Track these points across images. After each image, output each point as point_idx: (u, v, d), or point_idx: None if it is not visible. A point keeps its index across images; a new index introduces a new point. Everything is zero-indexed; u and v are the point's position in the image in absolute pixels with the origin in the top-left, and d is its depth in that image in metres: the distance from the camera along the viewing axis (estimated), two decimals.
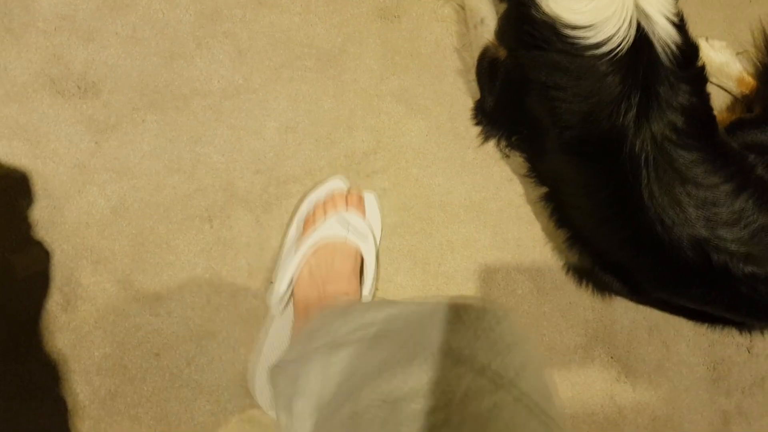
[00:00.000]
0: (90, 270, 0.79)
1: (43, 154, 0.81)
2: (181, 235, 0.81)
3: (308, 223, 0.79)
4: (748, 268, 0.68)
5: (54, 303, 0.78)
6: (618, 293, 0.81)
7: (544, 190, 0.82)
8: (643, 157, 0.69)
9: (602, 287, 0.81)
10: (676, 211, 0.69)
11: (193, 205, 0.82)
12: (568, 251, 0.82)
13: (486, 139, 0.85)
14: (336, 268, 0.75)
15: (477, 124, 0.85)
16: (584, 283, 0.83)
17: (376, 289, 0.83)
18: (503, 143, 0.85)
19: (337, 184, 0.82)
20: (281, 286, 0.76)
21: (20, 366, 0.77)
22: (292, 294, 0.77)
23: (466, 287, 0.83)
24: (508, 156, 0.86)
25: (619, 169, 0.70)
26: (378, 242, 0.81)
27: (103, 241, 0.80)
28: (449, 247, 0.84)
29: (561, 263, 0.85)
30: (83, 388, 0.77)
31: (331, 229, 0.77)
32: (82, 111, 0.82)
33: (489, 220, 0.85)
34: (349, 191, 0.81)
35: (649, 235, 0.71)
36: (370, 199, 0.82)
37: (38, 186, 0.80)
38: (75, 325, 0.78)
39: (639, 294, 0.79)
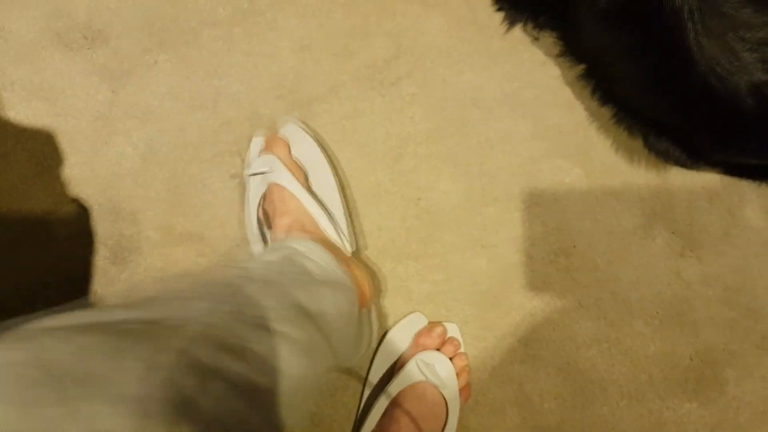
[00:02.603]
0: (130, 220, 0.79)
1: (63, 111, 0.79)
2: (214, 173, 0.79)
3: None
4: None
5: (101, 258, 0.78)
6: (676, 162, 0.76)
7: (581, 67, 0.78)
8: (686, 10, 0.63)
9: (659, 157, 0.77)
10: (729, 60, 0.64)
11: (221, 140, 0.80)
12: (616, 128, 0.77)
13: (511, 24, 0.80)
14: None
15: (499, 9, 0.80)
16: (636, 159, 0.79)
17: (419, 199, 0.80)
18: (530, 25, 0.79)
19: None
20: None
21: None
22: None
23: (511, 184, 0.80)
24: (537, 38, 0.81)
25: (662, 29, 0.65)
26: None
27: (138, 189, 0.79)
28: (488, 144, 0.81)
29: (609, 143, 0.80)
30: None
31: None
32: (94, 61, 0.80)
33: (526, 110, 0.81)
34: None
35: (703, 92, 0.65)
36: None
37: (64, 144, 0.79)
38: (126, 276, 0.78)
39: (698, 159, 0.75)
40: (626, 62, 0.70)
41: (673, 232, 0.80)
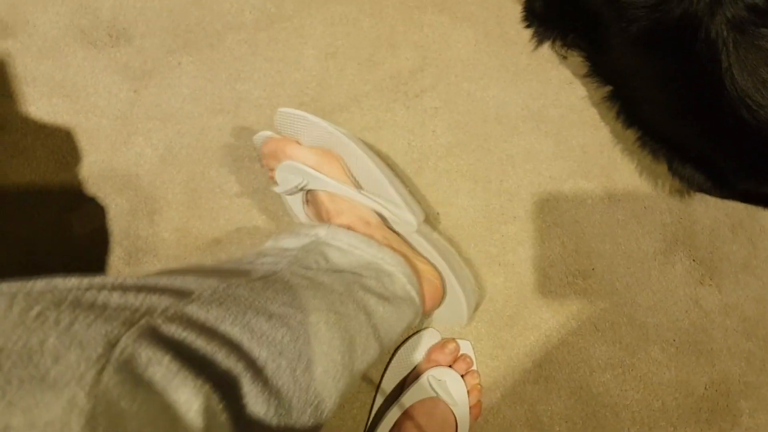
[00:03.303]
0: (146, 221, 0.78)
1: (84, 109, 0.79)
2: (232, 177, 0.79)
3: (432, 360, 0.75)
4: None
5: (116, 257, 0.78)
6: (700, 188, 0.75)
7: (608, 89, 0.76)
8: (720, 42, 0.62)
9: (683, 183, 0.76)
10: (762, 93, 0.63)
11: (241, 145, 0.79)
12: (640, 151, 0.76)
13: (540, 41, 0.79)
14: None
15: (528, 26, 0.79)
16: (660, 183, 0.78)
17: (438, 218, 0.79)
18: (559, 43, 0.78)
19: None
20: None
21: None
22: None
23: (531, 202, 0.79)
24: (565, 57, 0.80)
25: (694, 58, 0.64)
26: None
27: (155, 191, 0.78)
28: (510, 161, 0.80)
29: (633, 166, 0.79)
30: None
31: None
32: (117, 60, 0.80)
33: (550, 128, 0.80)
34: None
35: (733, 123, 0.64)
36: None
37: (84, 141, 0.79)
38: None
39: (724, 187, 0.73)
40: (655, 88, 0.69)
41: (693, 260, 0.79)
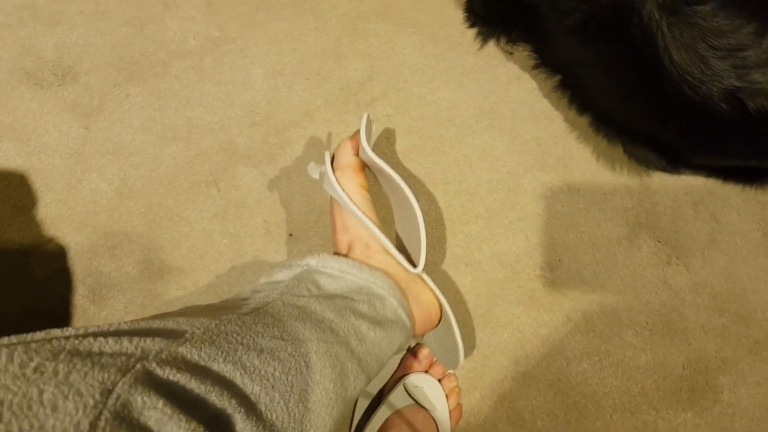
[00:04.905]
0: (108, 257, 0.77)
1: (36, 150, 0.78)
2: (190, 204, 0.78)
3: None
4: None
5: (80, 296, 0.77)
6: (656, 167, 0.76)
7: (557, 78, 0.77)
8: (654, 25, 0.63)
9: (639, 164, 0.76)
10: (701, 69, 0.64)
11: (196, 171, 0.79)
12: (595, 137, 0.76)
13: (484, 40, 0.79)
14: None
15: (471, 26, 0.80)
16: (618, 167, 0.78)
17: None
18: (503, 40, 0.79)
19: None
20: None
21: None
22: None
23: (491, 199, 0.79)
24: (511, 53, 0.80)
25: (631, 43, 0.64)
26: None
27: (114, 225, 0.78)
28: (466, 161, 0.80)
29: (589, 152, 0.79)
30: None
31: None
32: (64, 98, 0.79)
33: (503, 125, 0.80)
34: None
35: (677, 100, 0.65)
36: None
37: (38, 183, 0.78)
38: (106, 314, 0.77)
39: (678, 164, 0.74)
40: (599, 75, 0.70)
41: (658, 241, 0.79)
